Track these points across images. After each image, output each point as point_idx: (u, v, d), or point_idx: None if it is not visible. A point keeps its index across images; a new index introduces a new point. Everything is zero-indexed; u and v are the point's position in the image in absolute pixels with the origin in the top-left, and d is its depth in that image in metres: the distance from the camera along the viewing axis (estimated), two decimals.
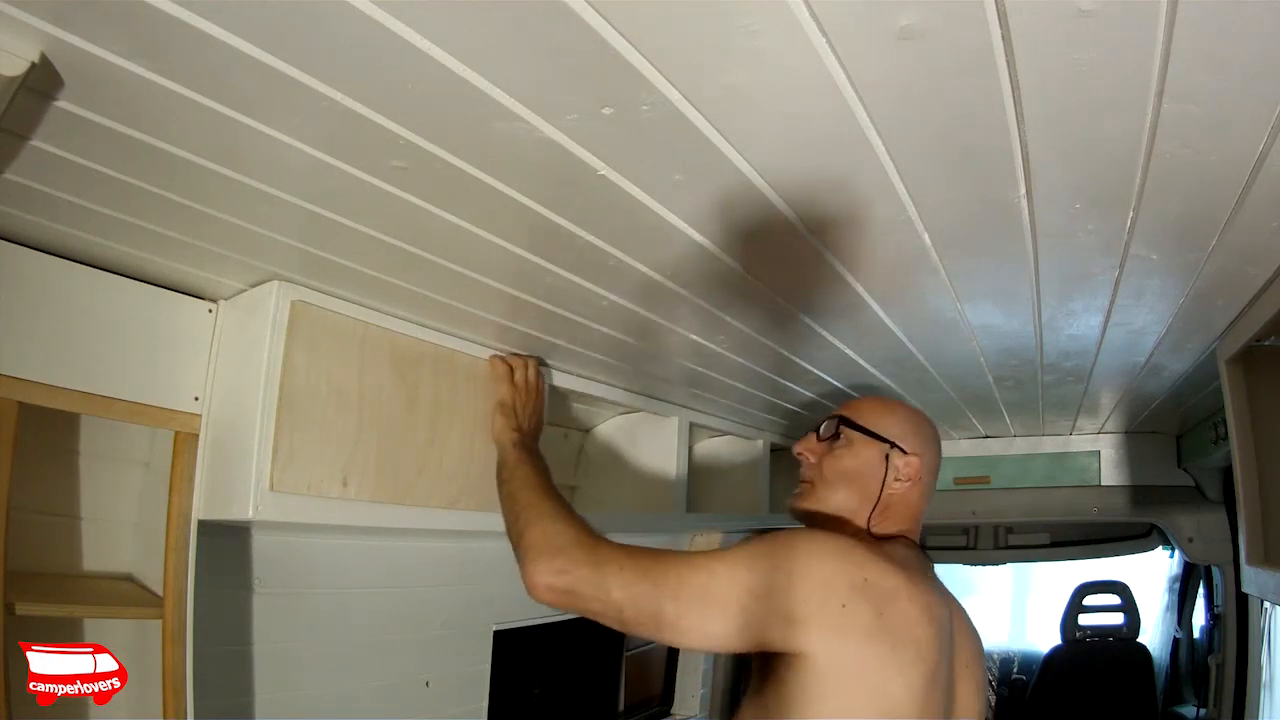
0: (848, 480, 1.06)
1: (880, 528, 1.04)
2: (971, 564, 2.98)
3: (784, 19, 0.55)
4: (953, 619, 0.94)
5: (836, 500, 1.06)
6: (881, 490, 1.05)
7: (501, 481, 1.19)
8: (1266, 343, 1.16)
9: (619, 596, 0.89)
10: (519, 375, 1.37)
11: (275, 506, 1.05)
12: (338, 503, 1.12)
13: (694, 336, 1.37)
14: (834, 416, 1.11)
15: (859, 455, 1.07)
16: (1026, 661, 3.52)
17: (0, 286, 0.94)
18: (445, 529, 1.33)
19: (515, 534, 1.04)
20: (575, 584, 0.92)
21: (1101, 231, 0.92)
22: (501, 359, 1.38)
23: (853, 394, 1.82)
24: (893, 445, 1.06)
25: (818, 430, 1.12)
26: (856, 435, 1.08)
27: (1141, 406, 1.97)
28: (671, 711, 2.53)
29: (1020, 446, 2.44)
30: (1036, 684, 3.10)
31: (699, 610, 0.86)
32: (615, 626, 0.92)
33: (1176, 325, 1.26)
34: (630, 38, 0.58)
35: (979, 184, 0.82)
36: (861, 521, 1.05)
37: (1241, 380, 1.27)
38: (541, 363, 1.46)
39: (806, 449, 1.11)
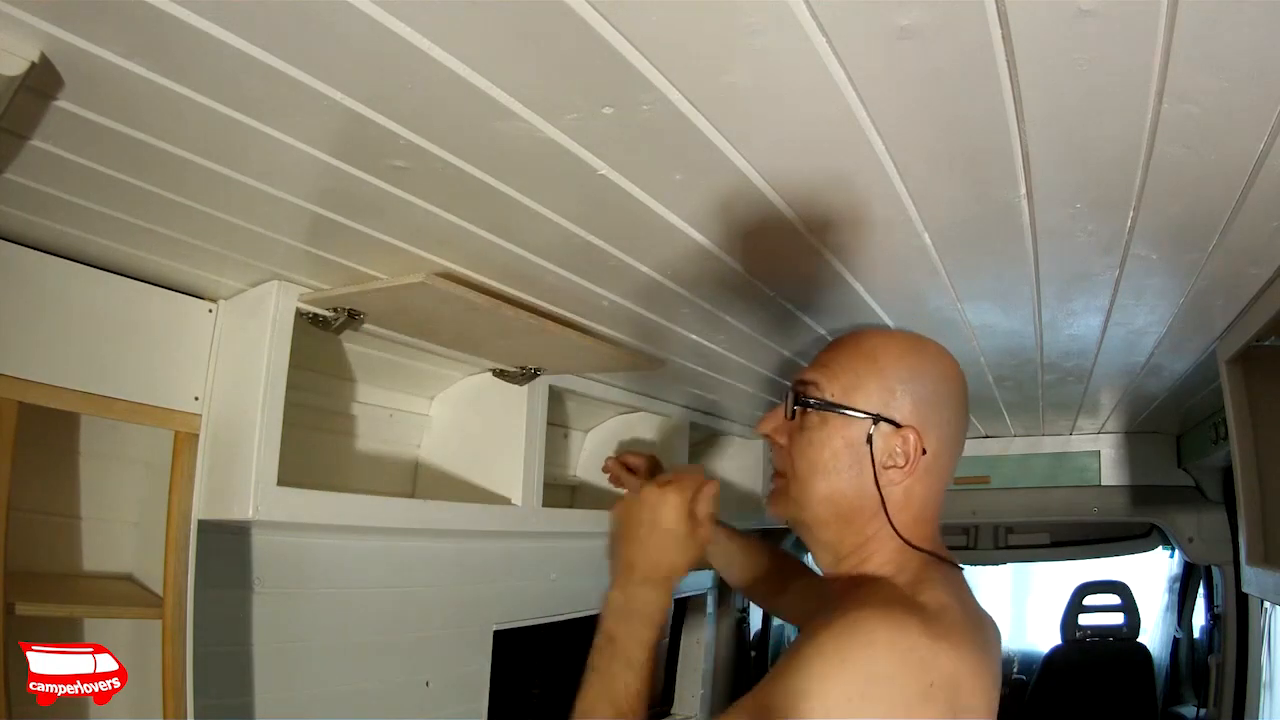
0: (825, 473, 0.79)
1: (914, 537, 0.78)
2: (971, 564, 2.98)
3: (784, 19, 0.55)
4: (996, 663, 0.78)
5: (818, 502, 0.80)
6: (879, 486, 0.77)
7: (588, 668, 0.81)
8: (1266, 343, 1.15)
9: None
10: (646, 484, 0.88)
11: (275, 506, 1.05)
12: (338, 502, 1.12)
13: (694, 336, 1.36)
14: (801, 381, 0.83)
15: (834, 434, 0.79)
16: (1026, 661, 3.52)
17: (0, 286, 0.94)
18: (446, 528, 1.33)
19: None
20: None
21: (1101, 231, 0.92)
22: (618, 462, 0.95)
23: None
24: (877, 418, 0.78)
25: (786, 408, 0.84)
26: (830, 413, 0.80)
27: (1141, 406, 1.97)
28: (671, 711, 2.53)
29: (1020, 446, 2.44)
30: (1036, 684, 3.09)
31: None
32: None
33: (1176, 325, 1.26)
34: (630, 37, 0.58)
35: (979, 184, 0.82)
36: (884, 533, 0.78)
37: (1241, 380, 1.27)
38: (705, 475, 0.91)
39: (774, 431, 0.84)
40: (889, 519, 0.77)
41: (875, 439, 0.77)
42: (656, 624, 0.82)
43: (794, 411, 0.82)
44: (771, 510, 0.86)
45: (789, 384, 0.85)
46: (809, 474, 0.80)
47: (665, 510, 0.85)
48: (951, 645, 0.67)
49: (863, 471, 0.78)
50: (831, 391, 0.80)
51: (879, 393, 0.78)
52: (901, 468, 0.77)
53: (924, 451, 0.77)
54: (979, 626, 0.74)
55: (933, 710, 0.64)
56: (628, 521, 0.86)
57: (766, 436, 0.86)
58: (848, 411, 0.79)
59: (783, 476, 0.84)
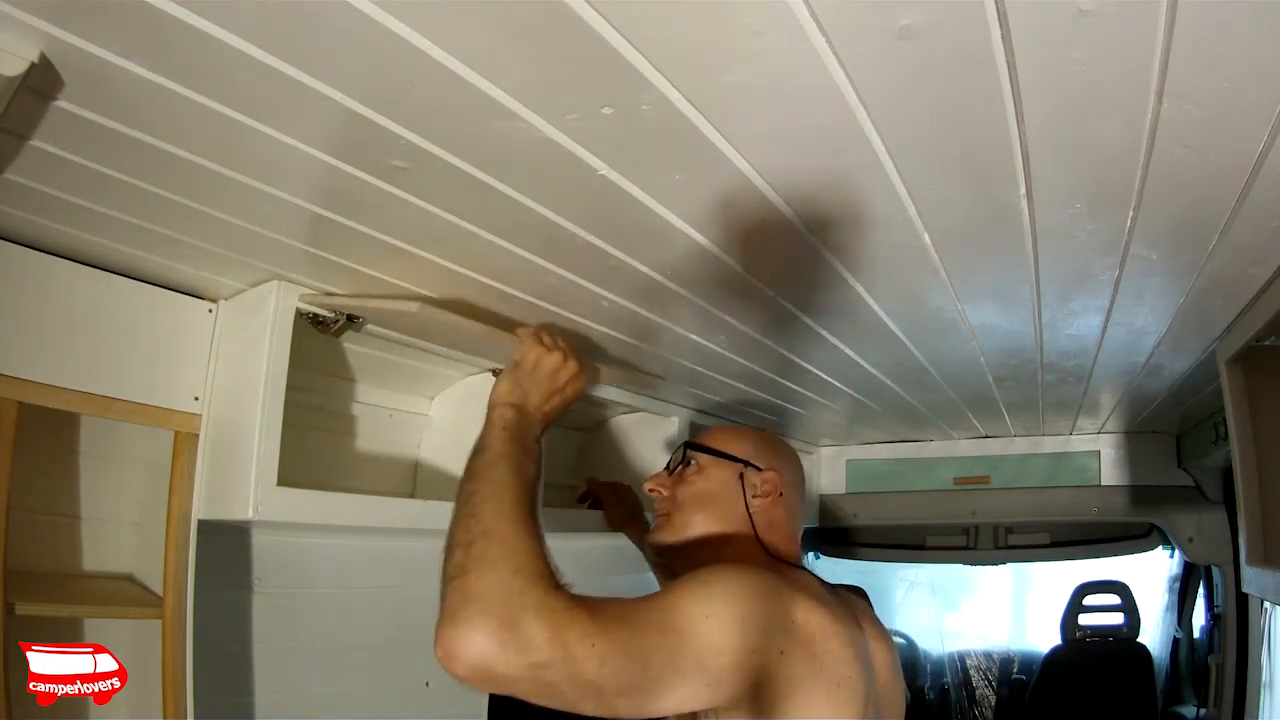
0: (704, 502, 1.01)
1: (776, 549, 0.98)
2: (971, 564, 2.97)
3: (784, 19, 0.55)
4: (868, 642, 0.92)
5: (696, 525, 1.00)
6: (747, 509, 1.00)
7: (469, 470, 0.84)
8: (1266, 343, 1.15)
9: (594, 676, 0.66)
10: (548, 340, 1.03)
11: (275, 506, 1.05)
12: (338, 502, 1.12)
13: (694, 336, 1.36)
14: (688, 443, 1.08)
15: (711, 477, 1.03)
16: (1026, 661, 3.51)
17: (0, 286, 0.94)
18: (446, 528, 1.32)
19: (454, 562, 0.73)
20: (531, 661, 0.65)
21: (1101, 231, 0.92)
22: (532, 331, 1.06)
23: (855, 394, 1.82)
24: (746, 463, 1.02)
25: (669, 467, 1.08)
26: (706, 458, 1.04)
27: (1141, 406, 1.97)
28: None
29: (1020, 446, 2.44)
30: (1036, 684, 3.09)
31: (688, 684, 0.71)
32: (572, 709, 0.69)
33: (1176, 325, 1.27)
34: (630, 38, 0.58)
35: (979, 184, 0.82)
36: (750, 544, 0.98)
37: (1241, 380, 1.27)
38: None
39: (657, 484, 1.06)
40: (757, 536, 0.98)
41: (747, 476, 1.02)
42: (535, 447, 0.96)
43: (684, 459, 1.05)
44: (655, 538, 1.04)
45: (678, 447, 1.08)
46: (692, 504, 1.01)
47: (565, 371, 1.01)
48: (810, 601, 0.81)
49: (735, 503, 1.00)
50: (714, 445, 1.05)
51: (747, 447, 1.04)
52: (766, 497, 1.01)
53: (780, 494, 1.02)
54: (846, 613, 0.88)
55: (793, 643, 0.76)
56: (534, 368, 1.00)
57: (652, 490, 1.06)
58: (726, 457, 1.03)
59: (664, 515, 1.04)
